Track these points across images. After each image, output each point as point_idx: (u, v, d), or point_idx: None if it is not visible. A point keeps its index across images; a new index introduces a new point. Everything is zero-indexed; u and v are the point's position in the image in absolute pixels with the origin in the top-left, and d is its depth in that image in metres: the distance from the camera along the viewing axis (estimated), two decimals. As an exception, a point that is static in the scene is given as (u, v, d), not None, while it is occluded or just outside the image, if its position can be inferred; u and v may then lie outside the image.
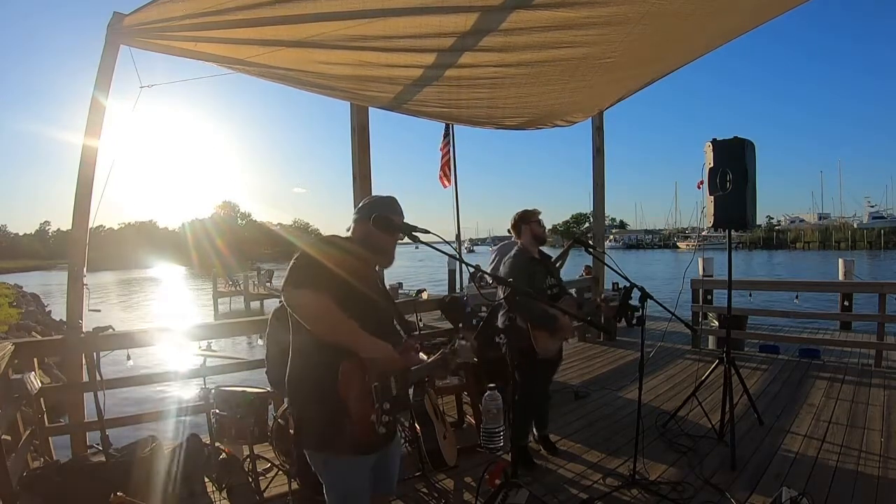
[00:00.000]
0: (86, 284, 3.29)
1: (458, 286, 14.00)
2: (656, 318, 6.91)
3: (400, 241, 1.90)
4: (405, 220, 1.89)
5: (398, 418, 1.84)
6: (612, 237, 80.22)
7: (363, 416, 1.62)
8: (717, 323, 6.88)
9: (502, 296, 3.32)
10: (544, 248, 3.61)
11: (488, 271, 3.91)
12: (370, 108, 4.63)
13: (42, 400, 3.18)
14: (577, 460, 3.41)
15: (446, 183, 9.30)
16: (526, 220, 3.40)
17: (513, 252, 3.44)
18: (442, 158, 9.26)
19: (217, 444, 3.20)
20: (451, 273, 16.89)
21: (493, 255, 5.11)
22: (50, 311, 21.38)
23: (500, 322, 3.37)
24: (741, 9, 3.39)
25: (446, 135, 9.08)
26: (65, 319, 3.29)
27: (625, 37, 3.21)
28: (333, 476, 1.72)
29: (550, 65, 3.63)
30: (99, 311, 3.55)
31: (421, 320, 4.39)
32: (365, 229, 1.81)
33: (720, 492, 2.88)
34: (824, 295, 11.62)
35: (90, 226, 3.28)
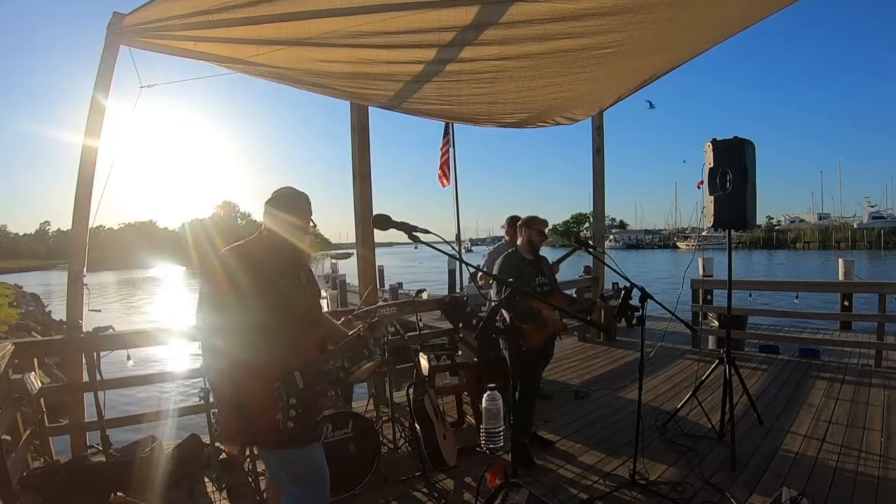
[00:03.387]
0: (86, 284, 3.28)
1: (458, 286, 14.01)
2: (656, 318, 6.92)
3: (399, 242, 1.92)
4: (400, 220, 1.91)
5: (321, 415, 1.97)
6: (612, 237, 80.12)
7: (268, 415, 1.71)
8: (717, 323, 6.87)
9: (494, 295, 3.41)
10: (544, 250, 3.68)
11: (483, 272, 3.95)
12: (370, 108, 4.63)
13: (42, 400, 3.17)
14: (576, 460, 3.41)
15: (445, 182, 9.34)
16: (529, 226, 3.53)
17: (502, 251, 3.60)
18: (441, 158, 9.29)
19: (217, 444, 3.20)
20: (451, 273, 16.91)
21: (484, 259, 5.11)
22: (50, 311, 21.37)
23: (498, 322, 3.40)
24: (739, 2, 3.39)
25: (446, 134, 9.11)
26: (65, 319, 3.29)
27: (623, 26, 3.21)
28: (290, 466, 1.82)
29: (550, 56, 3.63)
30: (99, 311, 3.55)
31: (421, 320, 4.40)
32: (271, 224, 1.89)
33: (720, 492, 2.88)
34: (824, 295, 11.61)
35: (90, 226, 3.27)
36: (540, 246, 3.56)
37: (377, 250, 5.06)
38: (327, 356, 1.89)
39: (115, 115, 3.27)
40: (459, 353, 4.23)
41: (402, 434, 3.70)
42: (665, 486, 2.94)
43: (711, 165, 3.55)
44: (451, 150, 9.13)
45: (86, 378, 3.26)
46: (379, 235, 4.24)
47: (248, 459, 3.01)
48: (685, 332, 4.59)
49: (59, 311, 20.46)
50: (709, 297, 7.28)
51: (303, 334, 1.88)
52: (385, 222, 1.95)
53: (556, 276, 3.98)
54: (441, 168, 9.32)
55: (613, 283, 7.15)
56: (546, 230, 3.56)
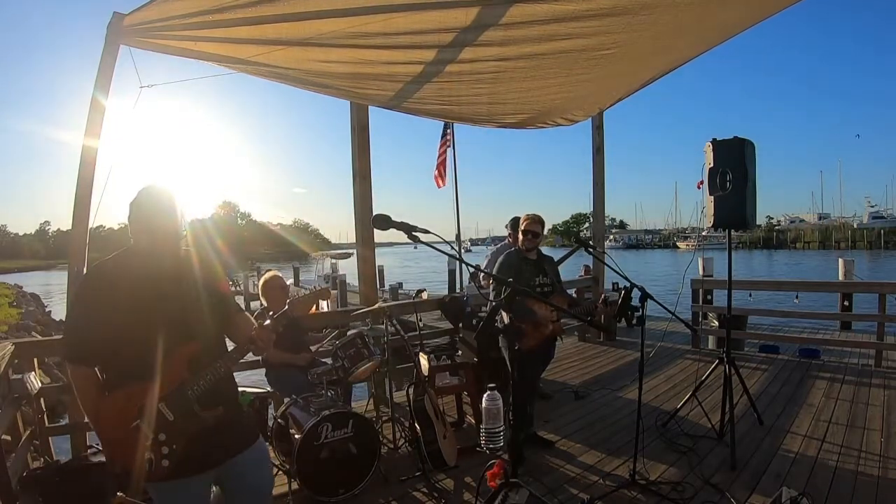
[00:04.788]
0: (86, 284, 3.28)
1: (457, 286, 14.03)
2: (656, 318, 6.91)
3: (399, 242, 1.88)
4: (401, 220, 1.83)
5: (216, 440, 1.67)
6: (612, 237, 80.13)
7: (136, 455, 1.54)
8: (717, 323, 6.87)
9: (492, 294, 3.43)
10: (545, 249, 3.70)
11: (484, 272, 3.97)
12: (371, 108, 4.63)
13: (42, 400, 3.18)
14: (576, 460, 3.41)
15: (441, 183, 9.35)
16: (519, 228, 3.65)
17: (504, 251, 3.73)
18: (438, 158, 9.30)
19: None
20: (451, 273, 16.94)
21: (487, 259, 5.11)
22: (50, 311, 21.41)
23: (497, 321, 3.41)
24: (740, 2, 3.39)
25: (444, 134, 9.12)
26: (65, 319, 3.29)
27: (624, 28, 3.21)
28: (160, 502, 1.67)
29: (550, 57, 3.63)
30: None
31: (421, 320, 4.40)
32: (133, 233, 1.76)
33: (720, 492, 2.88)
34: (824, 295, 11.61)
35: (90, 226, 3.27)
36: (531, 245, 3.55)
37: (377, 250, 5.07)
38: (201, 375, 1.65)
39: (115, 115, 3.27)
40: (459, 352, 4.23)
41: (402, 434, 3.70)
42: (665, 486, 2.95)
43: (711, 165, 3.55)
44: (449, 150, 9.15)
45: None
46: (379, 235, 4.24)
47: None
48: (685, 332, 4.59)
49: (59, 311, 20.49)
50: (709, 297, 7.28)
51: (168, 357, 1.61)
52: (385, 222, 1.96)
53: None
54: (437, 168, 9.33)
55: (613, 283, 7.19)
56: (526, 225, 3.54)
